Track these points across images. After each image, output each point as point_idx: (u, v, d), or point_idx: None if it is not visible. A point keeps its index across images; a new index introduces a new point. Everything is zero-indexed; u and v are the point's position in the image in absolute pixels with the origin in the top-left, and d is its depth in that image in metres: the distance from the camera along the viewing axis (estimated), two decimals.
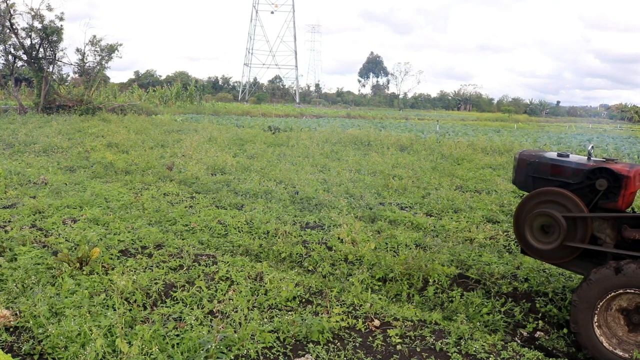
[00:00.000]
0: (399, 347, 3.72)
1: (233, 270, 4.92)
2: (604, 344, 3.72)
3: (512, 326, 4.40)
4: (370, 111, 65.48)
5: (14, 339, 3.56)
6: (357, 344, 3.75)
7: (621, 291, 3.65)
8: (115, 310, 3.81)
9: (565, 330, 4.26)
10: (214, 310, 4.09)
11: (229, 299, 4.24)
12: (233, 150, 15.05)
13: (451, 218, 7.74)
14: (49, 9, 30.61)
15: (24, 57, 29.97)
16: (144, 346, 3.26)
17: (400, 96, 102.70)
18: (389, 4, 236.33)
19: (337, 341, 3.76)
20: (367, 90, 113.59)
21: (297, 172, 11.09)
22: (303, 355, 3.55)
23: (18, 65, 32.65)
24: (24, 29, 29.06)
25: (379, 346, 3.72)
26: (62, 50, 30.73)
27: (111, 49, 31.73)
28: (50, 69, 30.20)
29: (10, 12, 28.14)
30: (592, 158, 4.39)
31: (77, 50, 31.93)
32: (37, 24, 28.95)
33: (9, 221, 6.48)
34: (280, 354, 3.53)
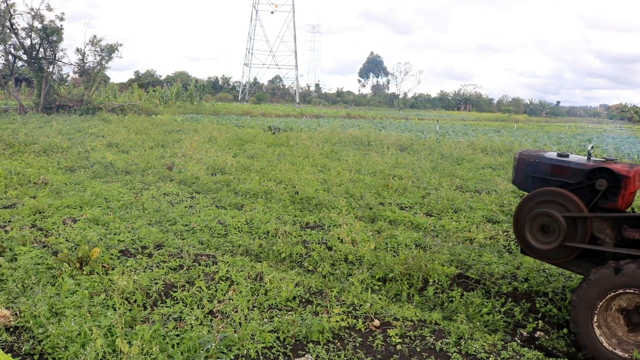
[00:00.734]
0: (399, 347, 3.73)
1: (233, 270, 4.92)
2: (604, 344, 3.72)
3: (512, 326, 4.40)
4: (370, 111, 65.47)
5: (14, 339, 3.56)
6: (357, 344, 3.75)
7: (621, 291, 3.65)
8: (115, 310, 3.81)
9: (565, 330, 4.26)
10: (214, 310, 4.09)
11: (229, 299, 4.24)
12: (233, 150, 15.06)
13: (451, 218, 7.74)
14: (49, 9, 30.70)
15: (24, 57, 30.02)
16: (144, 346, 3.26)
17: (400, 96, 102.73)
18: (389, 4, 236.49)
19: (337, 341, 3.77)
20: (367, 90, 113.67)
21: (297, 172, 11.09)
22: (303, 355, 3.55)
23: (18, 65, 32.74)
24: (24, 29, 29.14)
25: (379, 346, 3.73)
26: (62, 50, 30.86)
27: (111, 49, 31.78)
28: (50, 69, 30.23)
29: (10, 12, 28.17)
30: (591, 158, 4.39)
31: (77, 50, 32.04)
32: (37, 24, 29.03)
33: (9, 221, 6.48)
34: (280, 354, 3.54)
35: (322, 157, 13.76)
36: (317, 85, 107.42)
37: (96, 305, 3.98)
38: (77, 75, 36.25)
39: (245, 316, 3.88)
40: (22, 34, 29.17)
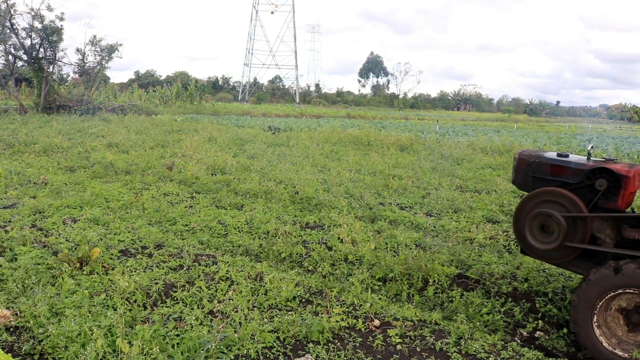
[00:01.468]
0: (399, 347, 3.73)
1: (233, 270, 4.93)
2: (604, 344, 3.72)
3: (512, 326, 4.40)
4: (370, 111, 65.47)
5: (14, 339, 3.56)
6: (357, 344, 3.75)
7: (620, 291, 3.65)
8: (115, 310, 3.81)
9: (565, 330, 4.26)
10: (214, 310, 4.09)
11: (229, 299, 4.25)
12: (233, 150, 15.06)
13: (451, 218, 7.74)
14: (49, 9, 30.75)
15: (24, 57, 30.00)
16: (144, 346, 3.26)
17: (400, 96, 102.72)
18: (389, 4, 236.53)
19: (337, 341, 3.77)
20: (367, 90, 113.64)
21: (297, 172, 11.09)
22: (303, 355, 3.55)
23: (18, 65, 32.68)
24: (24, 29, 29.13)
25: (379, 346, 3.73)
26: (62, 50, 30.84)
27: (111, 49, 31.79)
28: (51, 69, 30.20)
29: (10, 12, 28.17)
30: (591, 158, 4.39)
31: (77, 50, 32.06)
32: (37, 24, 29.00)
33: (9, 221, 6.49)
34: (280, 354, 3.54)
35: (322, 157, 13.76)
36: (317, 85, 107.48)
37: (96, 305, 3.98)
38: (77, 75, 36.28)
39: (245, 316, 3.88)
40: (23, 34, 29.19)
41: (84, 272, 4.68)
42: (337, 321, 3.91)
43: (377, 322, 4.09)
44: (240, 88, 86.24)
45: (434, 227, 7.19)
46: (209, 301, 4.24)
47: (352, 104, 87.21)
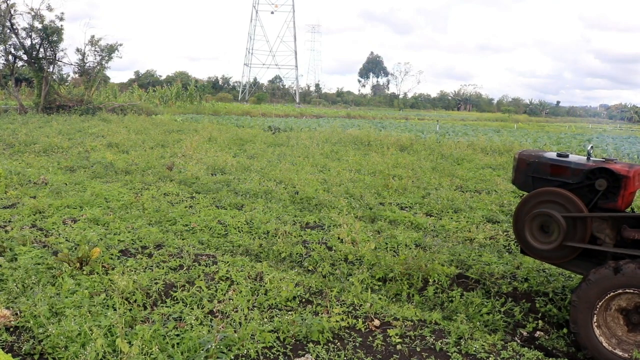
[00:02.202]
0: (399, 347, 3.73)
1: (233, 270, 4.93)
2: (604, 344, 3.72)
3: (512, 326, 4.40)
4: (370, 111, 65.49)
5: (14, 339, 3.56)
6: (357, 344, 3.75)
7: (620, 291, 3.65)
8: (115, 310, 3.81)
9: (565, 330, 4.26)
10: (214, 310, 4.09)
11: (229, 299, 4.25)
12: (233, 150, 15.06)
13: (451, 218, 7.74)
14: (49, 9, 30.75)
15: (24, 57, 30.00)
16: (144, 346, 3.26)
17: (400, 96, 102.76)
18: (389, 4, 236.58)
19: (337, 341, 3.77)
20: (367, 90, 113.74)
21: (297, 172, 11.09)
22: (303, 355, 3.55)
23: (18, 65, 32.68)
24: (24, 29, 29.13)
25: (379, 346, 3.73)
26: (62, 50, 30.84)
27: (111, 49, 31.78)
28: (51, 69, 30.21)
29: (10, 12, 28.17)
30: (591, 158, 4.39)
31: (77, 50, 32.02)
32: (37, 24, 29.01)
33: (9, 221, 6.49)
34: (280, 353, 3.54)
35: (322, 157, 13.76)
36: (317, 85, 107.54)
37: (96, 305, 3.98)
38: (77, 75, 36.21)
39: (245, 316, 3.88)
40: (23, 34, 29.20)
41: (84, 272, 4.68)
42: (337, 321, 3.91)
43: (377, 322, 4.09)
44: (240, 88, 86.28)
45: (434, 227, 7.19)
46: (209, 301, 4.24)
47: (352, 104, 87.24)
